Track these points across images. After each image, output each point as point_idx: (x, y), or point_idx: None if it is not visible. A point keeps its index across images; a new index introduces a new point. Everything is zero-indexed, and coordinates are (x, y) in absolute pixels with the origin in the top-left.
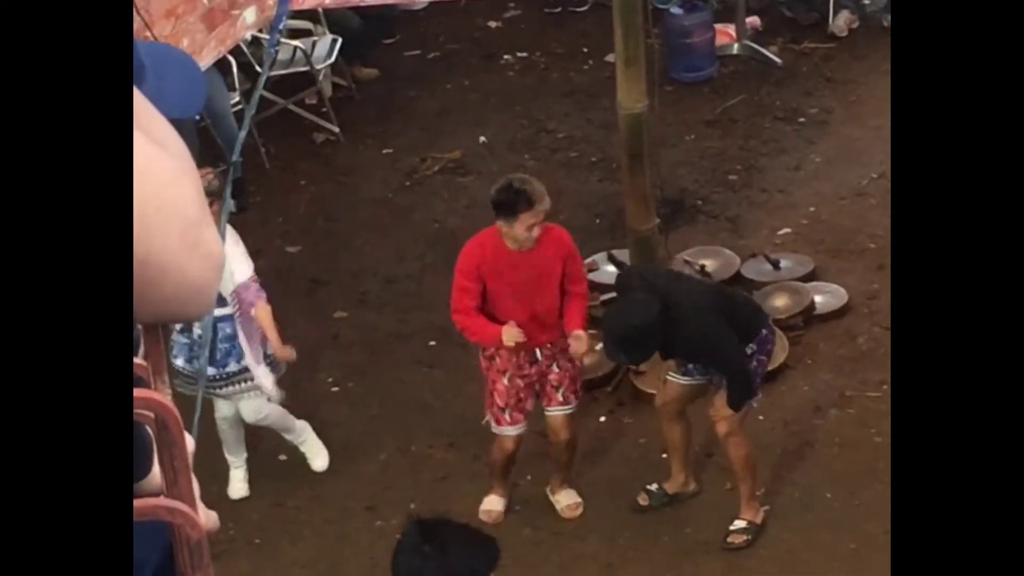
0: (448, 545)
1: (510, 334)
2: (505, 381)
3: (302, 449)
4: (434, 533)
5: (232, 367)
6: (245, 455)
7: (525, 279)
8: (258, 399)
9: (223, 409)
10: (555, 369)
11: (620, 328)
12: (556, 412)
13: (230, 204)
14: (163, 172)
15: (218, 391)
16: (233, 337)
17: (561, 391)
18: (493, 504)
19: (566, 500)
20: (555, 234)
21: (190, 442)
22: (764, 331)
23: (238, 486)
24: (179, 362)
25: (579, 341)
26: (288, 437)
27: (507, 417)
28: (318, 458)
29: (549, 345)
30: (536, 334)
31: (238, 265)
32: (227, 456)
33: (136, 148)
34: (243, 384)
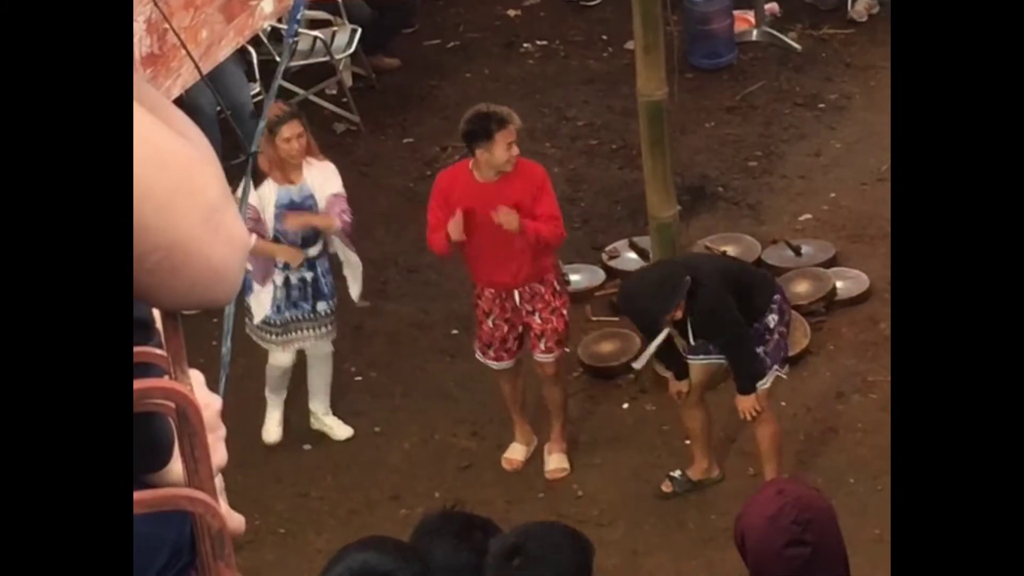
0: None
1: (454, 224)
2: (489, 323)
3: (328, 421)
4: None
5: (321, 306)
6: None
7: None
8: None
9: (280, 359)
10: (537, 320)
11: (640, 286)
12: (540, 358)
13: (251, 194)
14: (184, 160)
15: (302, 333)
16: (321, 276)
17: (543, 341)
18: (514, 452)
19: (554, 464)
20: (526, 168)
21: (216, 400)
22: (778, 295)
23: (274, 430)
24: (269, 312)
25: (507, 215)
26: (318, 402)
27: (491, 353)
28: (341, 429)
29: (528, 288)
30: (511, 272)
31: (334, 178)
32: (268, 396)
33: (157, 138)
34: (324, 329)
